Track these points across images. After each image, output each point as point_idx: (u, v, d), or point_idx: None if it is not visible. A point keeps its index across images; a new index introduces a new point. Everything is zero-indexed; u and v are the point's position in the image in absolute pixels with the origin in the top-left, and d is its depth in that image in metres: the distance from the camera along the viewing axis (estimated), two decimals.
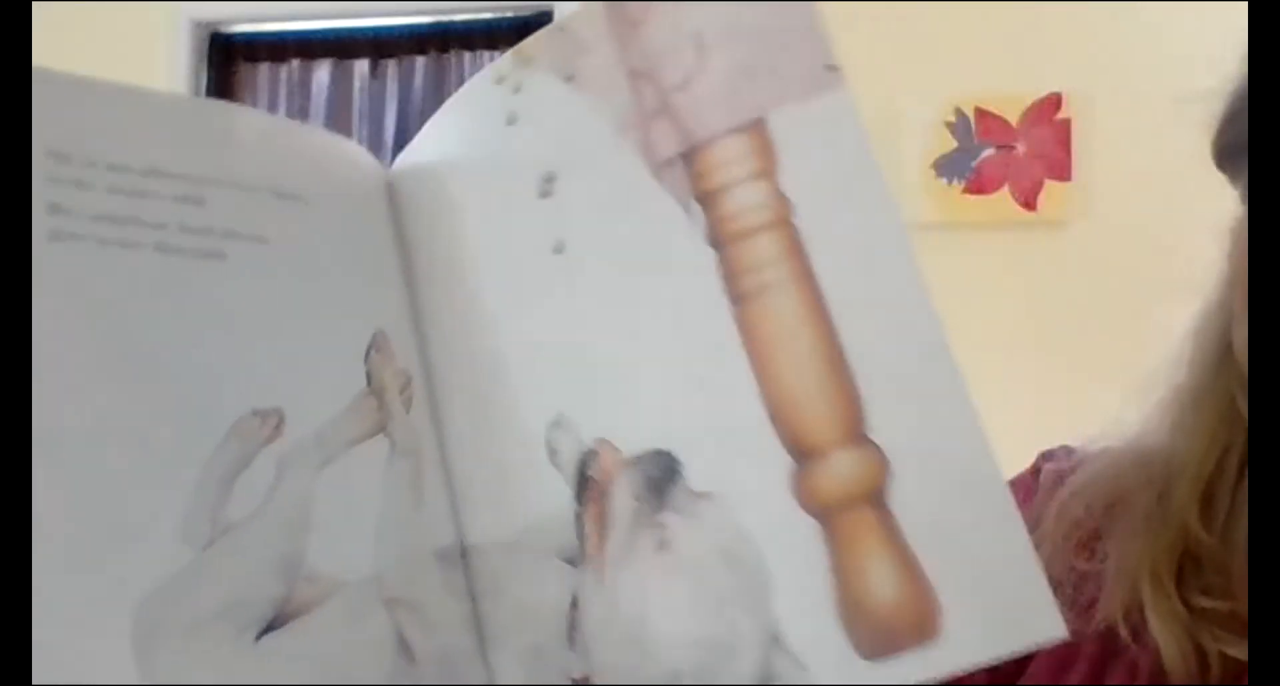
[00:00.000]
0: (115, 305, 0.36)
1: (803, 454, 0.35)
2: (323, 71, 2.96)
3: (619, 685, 0.36)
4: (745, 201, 0.37)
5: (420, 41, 2.90)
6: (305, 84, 2.96)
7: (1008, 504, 0.34)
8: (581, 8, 0.40)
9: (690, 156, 0.38)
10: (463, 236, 0.42)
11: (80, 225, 0.36)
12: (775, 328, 0.36)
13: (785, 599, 0.35)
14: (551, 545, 0.38)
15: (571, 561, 0.38)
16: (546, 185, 0.40)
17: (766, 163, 0.37)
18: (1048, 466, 0.59)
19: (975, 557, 0.34)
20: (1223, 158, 0.51)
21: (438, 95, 2.79)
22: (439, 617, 0.38)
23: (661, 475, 0.37)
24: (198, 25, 2.88)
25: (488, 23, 2.84)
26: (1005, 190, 2.44)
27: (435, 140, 0.43)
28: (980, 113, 2.46)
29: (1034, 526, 0.56)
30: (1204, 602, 0.49)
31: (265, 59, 2.98)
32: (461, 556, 0.40)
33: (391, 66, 2.92)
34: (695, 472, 0.37)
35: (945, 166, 2.46)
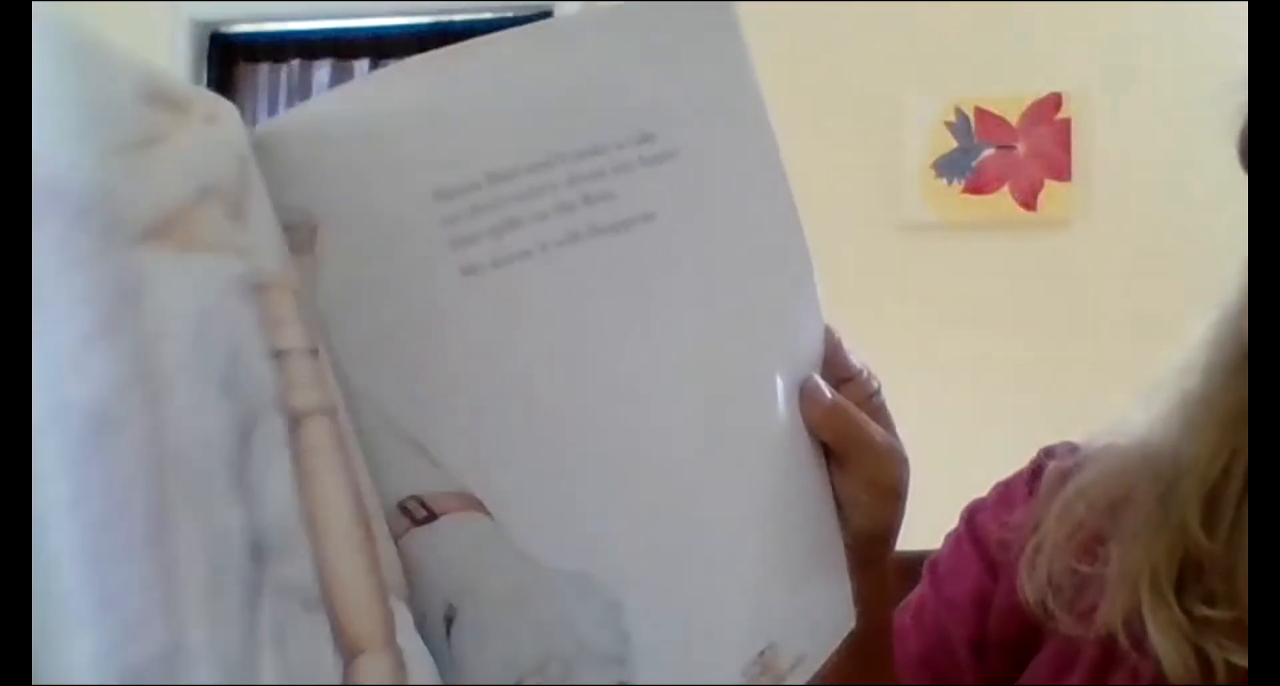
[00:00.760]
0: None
1: None
2: (323, 71, 2.96)
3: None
4: None
5: (420, 41, 2.90)
6: (305, 84, 2.96)
7: None
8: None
9: None
10: None
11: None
12: None
13: None
14: None
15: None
16: None
17: None
18: (1051, 464, 0.59)
19: None
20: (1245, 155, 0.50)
21: None
22: None
23: None
24: (198, 25, 2.88)
25: (488, 23, 2.84)
26: (1005, 190, 2.44)
27: None
28: (980, 113, 2.46)
29: (1035, 527, 0.55)
30: (1206, 611, 0.48)
31: (265, 59, 2.98)
32: None
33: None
34: None
35: (945, 166, 2.46)
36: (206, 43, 2.92)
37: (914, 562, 0.63)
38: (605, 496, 0.37)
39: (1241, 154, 0.50)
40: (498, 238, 0.35)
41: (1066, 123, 2.43)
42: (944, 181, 2.46)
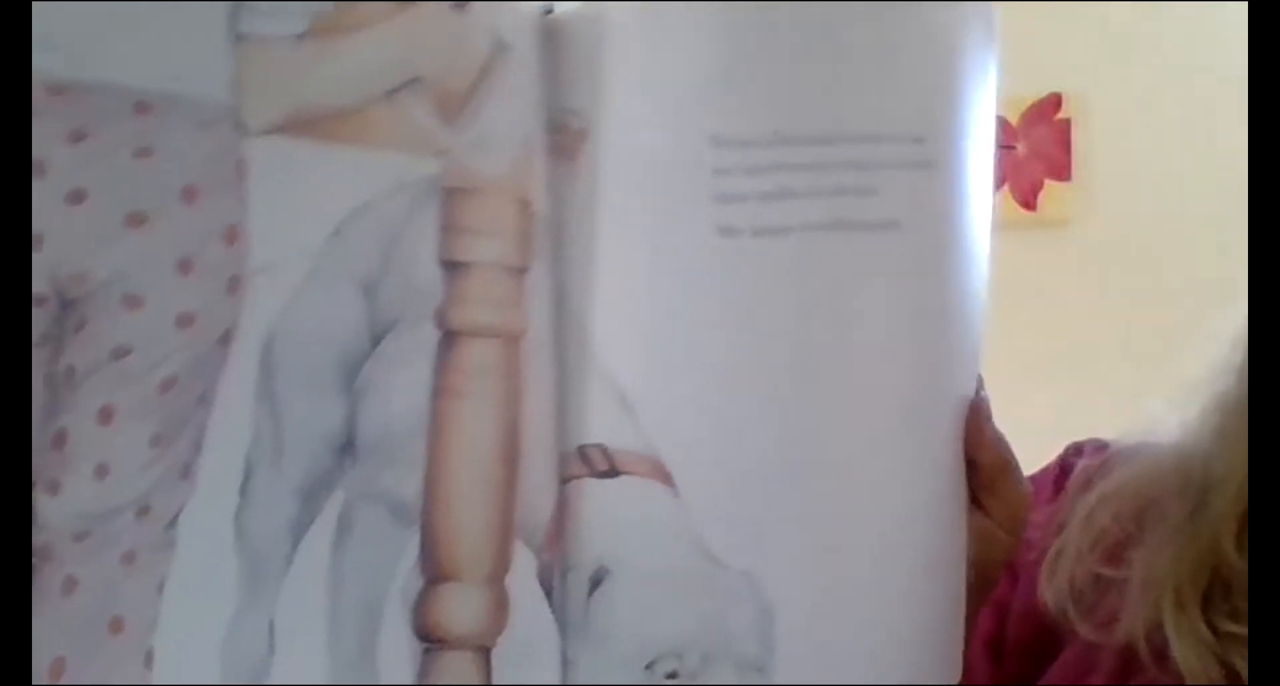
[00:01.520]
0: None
1: None
2: None
3: None
4: None
5: None
6: None
7: None
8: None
9: None
10: None
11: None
12: None
13: None
14: None
15: None
16: None
17: None
18: (1079, 463, 0.57)
19: None
20: None
21: None
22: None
23: None
24: None
25: None
26: (1005, 190, 2.44)
27: None
28: None
29: (1058, 530, 0.54)
30: (1232, 627, 0.46)
31: None
32: None
33: None
34: None
35: None
36: None
37: None
38: (788, 501, 0.36)
39: None
40: (765, 204, 0.33)
41: (1066, 123, 2.43)
42: None
